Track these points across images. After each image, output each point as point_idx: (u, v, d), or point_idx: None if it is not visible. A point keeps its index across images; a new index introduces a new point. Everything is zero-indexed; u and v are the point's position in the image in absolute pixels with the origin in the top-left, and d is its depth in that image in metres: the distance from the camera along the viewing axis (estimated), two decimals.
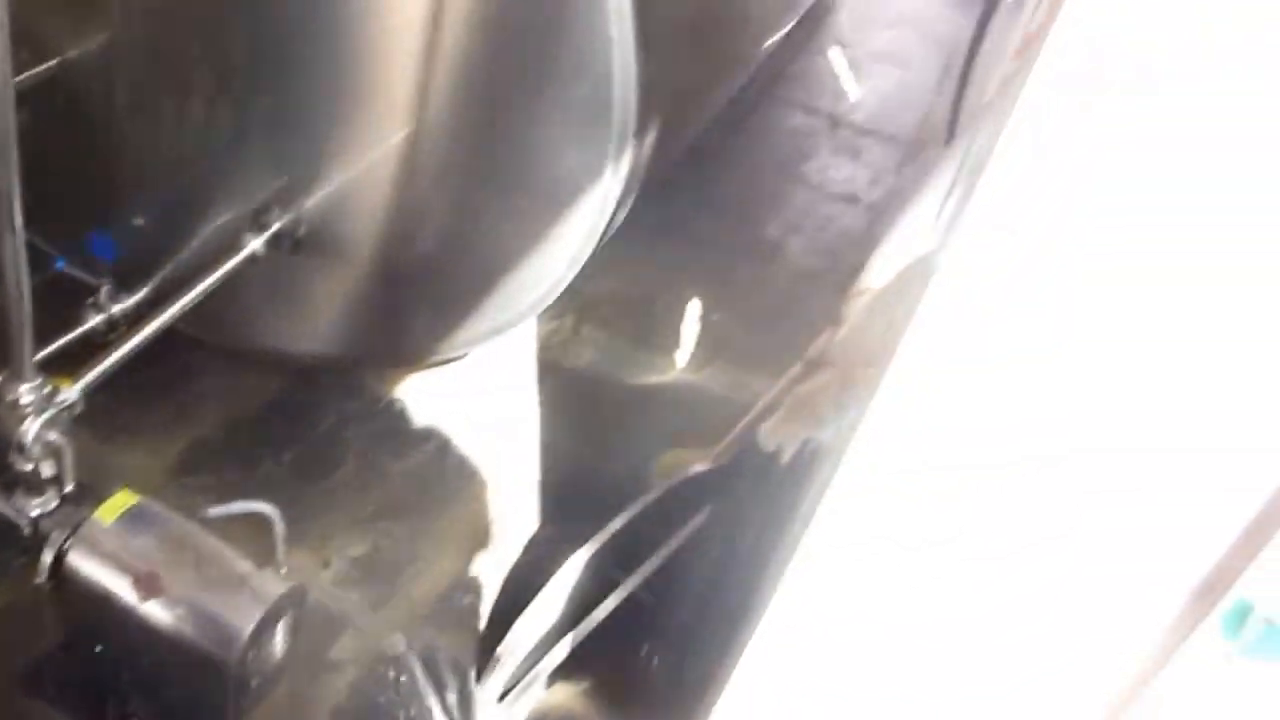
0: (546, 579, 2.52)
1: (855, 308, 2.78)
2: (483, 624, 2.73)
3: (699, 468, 2.77)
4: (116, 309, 2.82)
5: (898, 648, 1.53)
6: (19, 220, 2.11)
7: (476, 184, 2.83)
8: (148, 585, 2.28)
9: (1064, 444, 1.29)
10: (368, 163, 2.82)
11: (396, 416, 3.22)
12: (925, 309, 1.32)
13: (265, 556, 2.46)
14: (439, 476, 3.07)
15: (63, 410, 2.36)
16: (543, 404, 3.29)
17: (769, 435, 2.53)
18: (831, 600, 1.59)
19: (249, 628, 2.25)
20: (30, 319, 2.24)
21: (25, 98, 2.03)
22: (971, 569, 1.42)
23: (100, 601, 2.31)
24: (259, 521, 2.67)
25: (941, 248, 1.94)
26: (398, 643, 2.62)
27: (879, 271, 2.94)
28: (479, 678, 2.57)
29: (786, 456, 2.43)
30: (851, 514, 1.56)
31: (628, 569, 2.59)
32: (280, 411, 3.15)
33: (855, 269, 3.83)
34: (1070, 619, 1.38)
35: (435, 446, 3.14)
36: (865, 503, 1.52)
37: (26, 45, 1.96)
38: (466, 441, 3.16)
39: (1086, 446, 1.28)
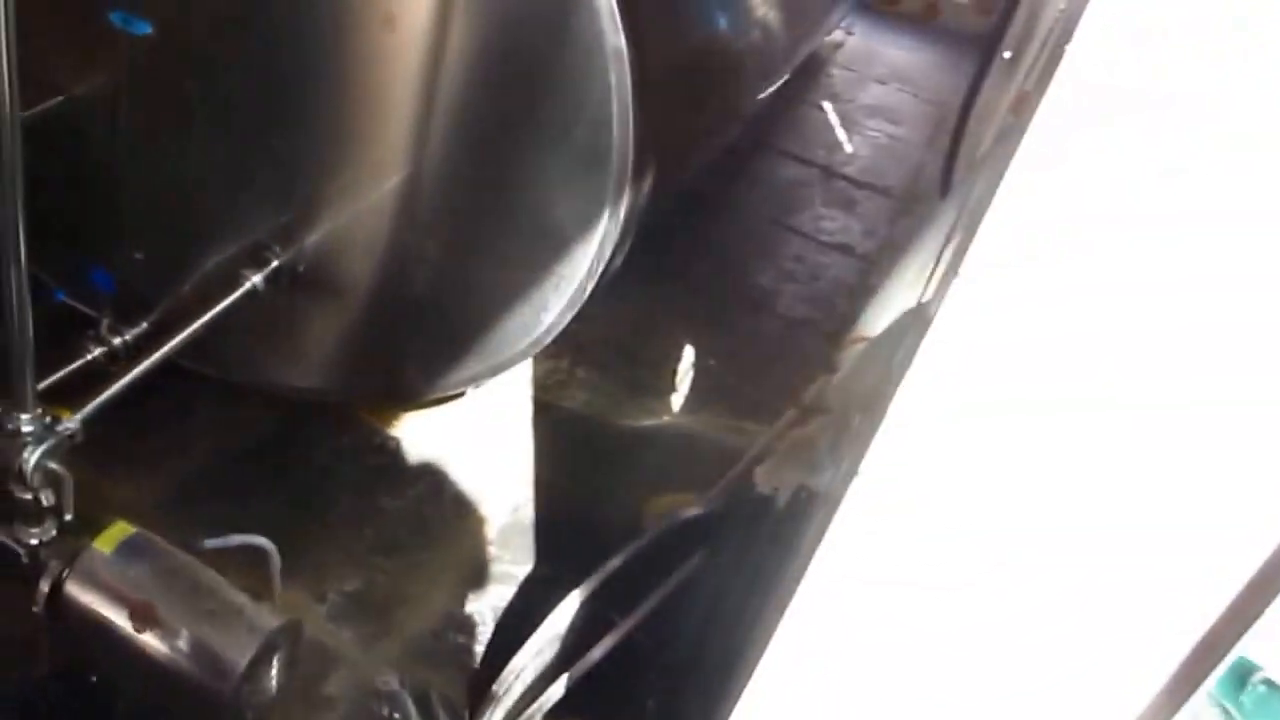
0: (541, 618, 2.53)
1: (850, 355, 2.80)
2: (476, 662, 2.73)
3: (693, 511, 2.78)
4: (116, 341, 2.84)
5: (894, 692, 1.54)
6: (24, 252, 2.13)
7: (474, 226, 2.86)
8: (144, 616, 2.29)
9: (1060, 496, 1.30)
10: (367, 203, 2.85)
11: (392, 453, 3.23)
12: (921, 357, 1.33)
13: (260, 590, 2.47)
14: (434, 514, 3.08)
15: (63, 440, 2.37)
16: (537, 444, 3.31)
17: (764, 479, 2.54)
18: (828, 644, 1.59)
19: (244, 660, 2.26)
20: (32, 350, 2.26)
21: (30, 132, 2.05)
22: (968, 617, 1.42)
23: (97, 631, 2.32)
24: (255, 555, 2.67)
25: (937, 298, 1.96)
26: (391, 679, 2.62)
27: (873, 320, 2.96)
28: (472, 716, 2.57)
29: (781, 501, 2.45)
30: (848, 558, 1.56)
31: (623, 610, 2.60)
32: (277, 446, 3.16)
33: (847, 318, 3.88)
34: (1069, 674, 1.39)
35: (430, 484, 3.16)
36: (862, 547, 1.52)
37: (32, 80, 1.98)
38: (461, 479, 3.17)
39: (1083, 499, 1.29)
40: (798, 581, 1.61)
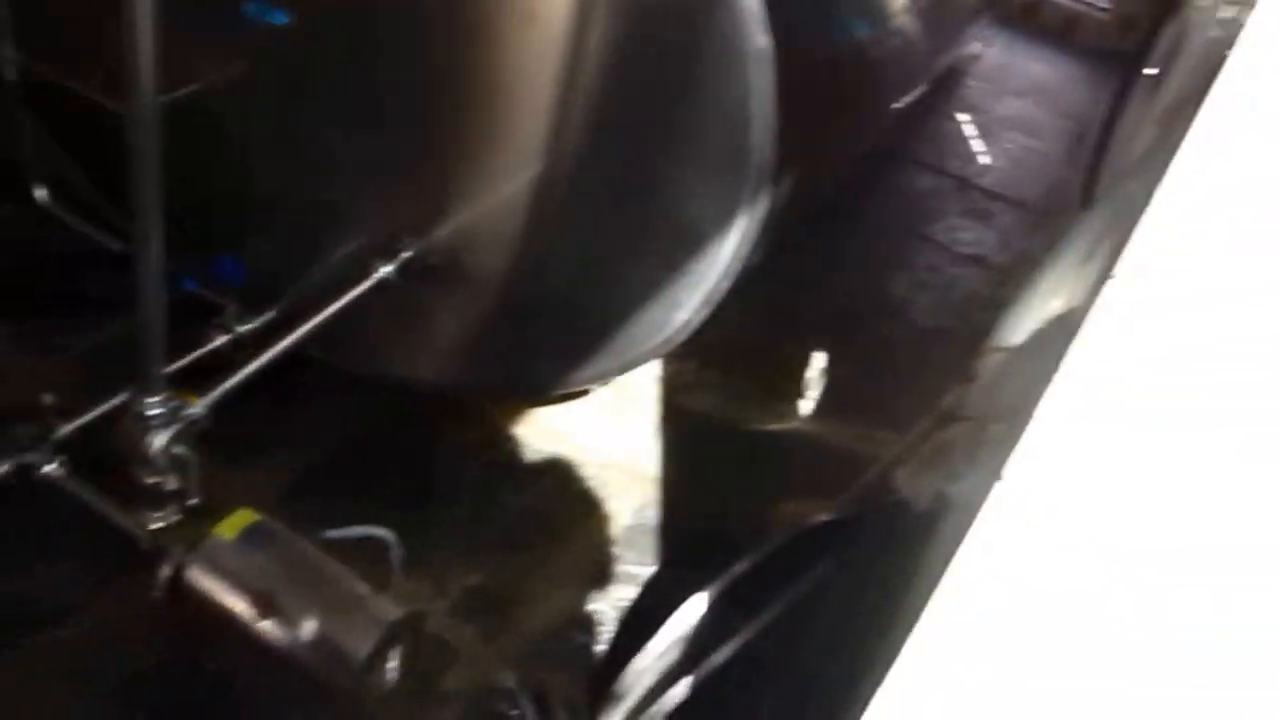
0: (664, 620, 2.47)
1: (989, 364, 2.72)
2: (596, 662, 2.68)
3: (823, 517, 2.71)
4: (243, 329, 2.84)
5: (1033, 702, 1.47)
6: (160, 238, 2.13)
7: (607, 224, 2.82)
8: (264, 604, 2.27)
9: (1212, 507, 1.23)
10: (501, 197, 2.82)
11: (516, 449, 3.19)
12: (1069, 364, 1.28)
13: (380, 583, 2.44)
14: (557, 511, 3.04)
15: (189, 425, 2.37)
16: (663, 444, 3.25)
17: (905, 484, 2.47)
18: (963, 658, 1.52)
19: (365, 651, 2.23)
20: (163, 335, 2.26)
21: (165, 119, 2.05)
22: (1109, 626, 1.35)
23: (216, 618, 2.31)
24: (374, 547, 2.66)
25: (1084, 307, 1.90)
26: (509, 677, 2.58)
27: (1011, 331, 2.88)
28: (591, 717, 2.52)
29: (917, 509, 2.37)
30: (987, 565, 1.50)
31: (748, 615, 2.53)
32: (400, 438, 3.14)
33: (981, 328, 3.76)
34: (1217, 689, 1.31)
35: (554, 481, 3.12)
36: (1002, 553, 1.47)
37: (169, 69, 1.99)
38: (585, 477, 3.13)
39: (1237, 511, 1.22)
40: (932, 589, 1.56)
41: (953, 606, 1.49)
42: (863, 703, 1.65)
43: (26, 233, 3.48)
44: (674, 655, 2.46)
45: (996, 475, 1.60)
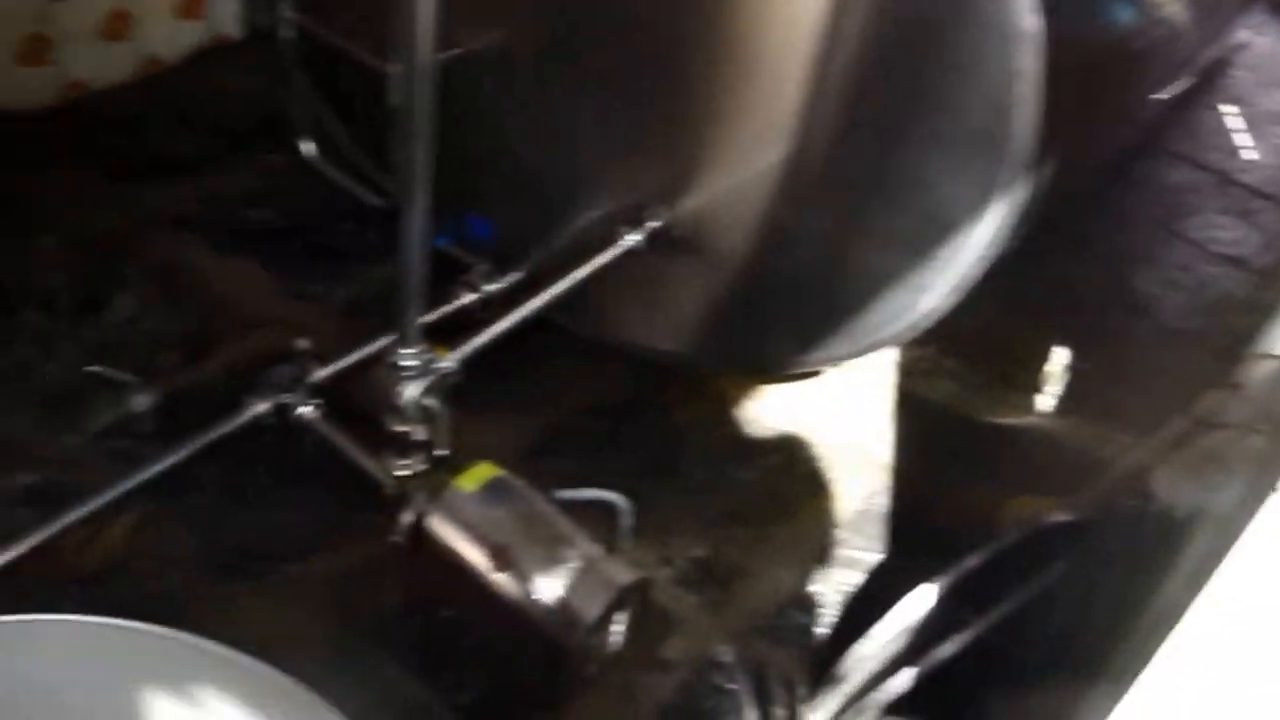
0: (887, 608, 2.45)
1: (1256, 372, 2.60)
2: (816, 643, 2.67)
3: (1061, 516, 2.64)
4: (490, 288, 2.91)
5: None
6: (427, 196, 2.19)
7: (856, 204, 2.79)
8: (501, 557, 2.33)
9: None
10: (750, 172, 2.82)
11: (746, 425, 3.19)
12: None
13: (606, 547, 2.46)
14: (785, 490, 3.02)
15: (441, 379, 2.45)
16: (896, 431, 3.21)
17: (1159, 491, 2.40)
18: (1225, 671, 1.47)
19: (595, 612, 2.27)
20: (423, 288, 2.33)
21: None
22: None
23: (453, 567, 2.37)
24: (601, 511, 2.69)
25: None
26: (728, 650, 2.59)
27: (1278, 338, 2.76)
28: (808, 698, 2.52)
29: (1170, 516, 2.29)
30: (1254, 579, 1.45)
31: (977, 610, 2.49)
32: (632, 406, 3.17)
33: (1239, 333, 3.60)
34: None
35: (783, 459, 3.11)
36: (1270, 573, 1.41)
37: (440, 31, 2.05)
38: (815, 458, 3.11)
39: None
40: (1181, 600, 1.51)
41: (1214, 619, 1.44)
42: (1092, 710, 1.61)
43: (290, 185, 3.65)
44: (898, 644, 2.44)
45: (1265, 487, 1.53)
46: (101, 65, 4.02)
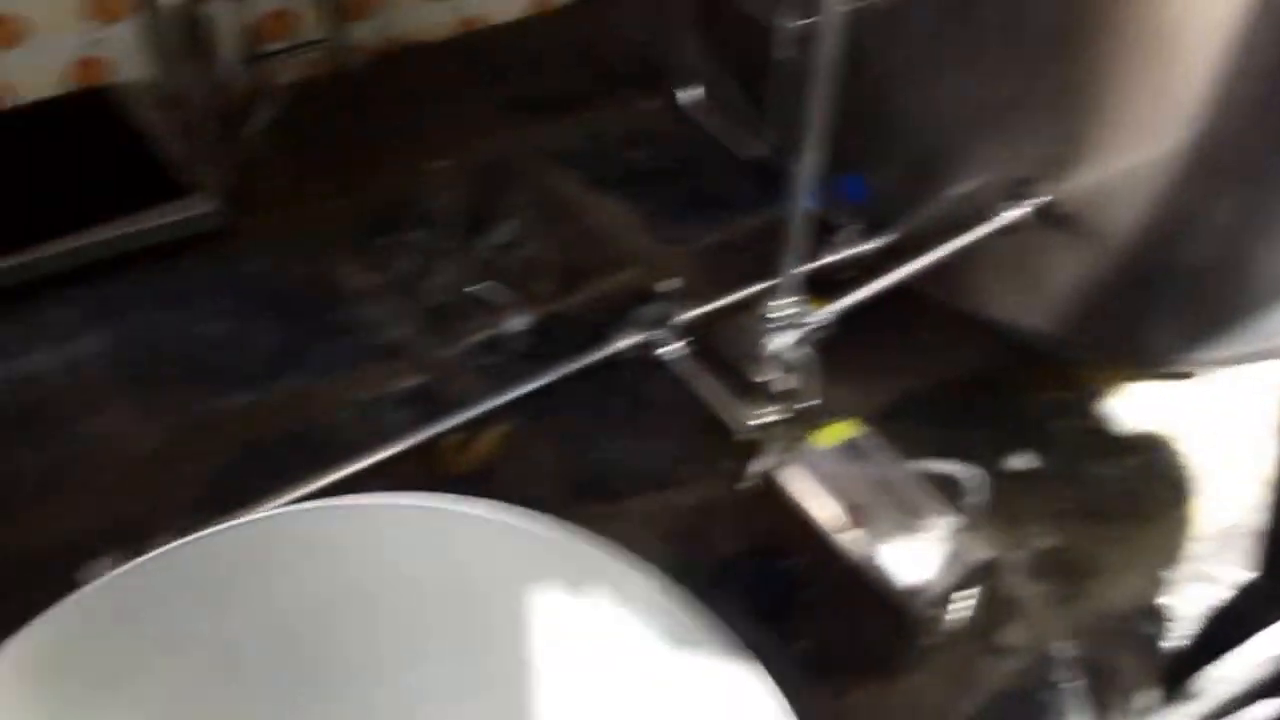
0: (1253, 632, 2.30)
1: None
2: (1161, 653, 2.55)
3: None
4: (865, 249, 2.89)
5: None
6: (821, 150, 2.20)
7: (1267, 197, 2.61)
8: (852, 515, 2.32)
9: None
10: (1150, 153, 2.68)
11: (1111, 419, 3.06)
12: None
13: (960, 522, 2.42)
14: (1145, 492, 2.88)
15: (812, 332, 2.45)
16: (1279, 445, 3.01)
17: None
18: None
19: (944, 585, 2.24)
20: (805, 240, 2.34)
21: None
22: None
23: (801, 520, 2.38)
24: (948, 485, 2.64)
25: None
26: (1071, 646, 2.51)
27: None
28: (1148, 710, 2.41)
29: None
30: None
31: None
32: (993, 384, 3.09)
33: None
34: None
35: (1148, 460, 2.96)
36: None
37: None
38: (1180, 464, 2.95)
39: None
40: None
41: None
42: None
43: (665, 130, 3.73)
44: (1262, 672, 2.29)
45: None
46: (499, 1, 4.21)
